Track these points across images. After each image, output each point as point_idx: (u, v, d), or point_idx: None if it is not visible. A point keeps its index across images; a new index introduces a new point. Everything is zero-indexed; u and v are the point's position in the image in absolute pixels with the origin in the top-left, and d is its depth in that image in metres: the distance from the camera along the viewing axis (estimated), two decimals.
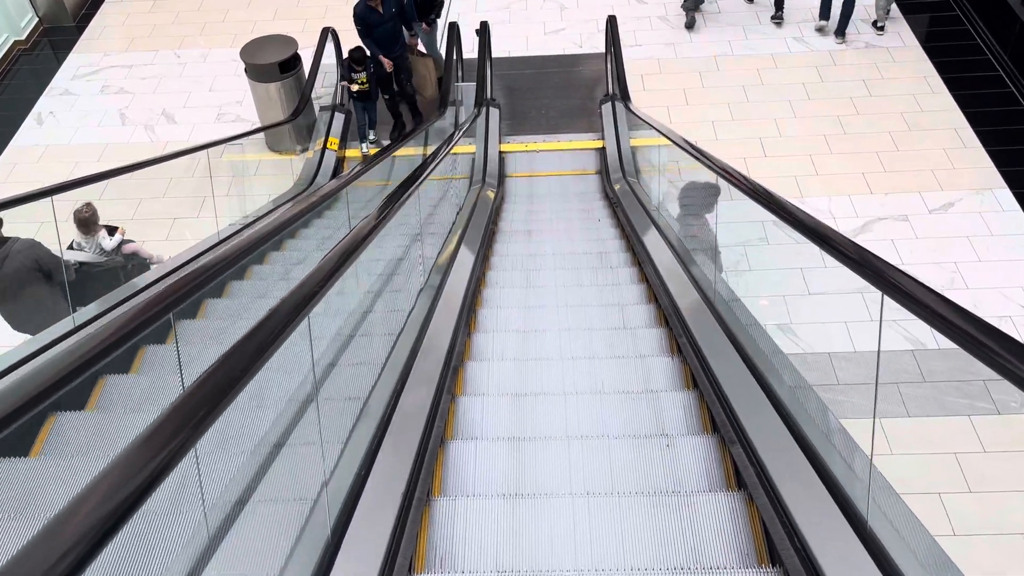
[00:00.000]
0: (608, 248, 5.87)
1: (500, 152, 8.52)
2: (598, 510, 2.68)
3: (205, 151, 7.19)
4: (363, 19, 7.93)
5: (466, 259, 4.92)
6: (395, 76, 8.43)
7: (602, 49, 9.76)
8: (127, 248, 6.61)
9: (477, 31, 8.78)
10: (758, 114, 8.88)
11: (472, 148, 8.19)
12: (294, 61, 8.38)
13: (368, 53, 8.12)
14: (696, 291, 4.15)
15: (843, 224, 7.47)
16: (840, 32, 9.73)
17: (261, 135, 8.56)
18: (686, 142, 5.50)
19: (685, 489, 2.84)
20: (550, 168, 8.52)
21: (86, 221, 6.20)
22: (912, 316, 1.84)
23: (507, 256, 5.63)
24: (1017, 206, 7.58)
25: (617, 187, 7.57)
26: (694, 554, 2.54)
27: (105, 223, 6.28)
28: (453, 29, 8.46)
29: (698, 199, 5.84)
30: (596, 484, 2.89)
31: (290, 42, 8.42)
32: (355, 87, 8.21)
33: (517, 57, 9.97)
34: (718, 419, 3.10)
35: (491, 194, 7.49)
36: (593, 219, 7.18)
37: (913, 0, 10.33)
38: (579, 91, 9.57)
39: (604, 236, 6.36)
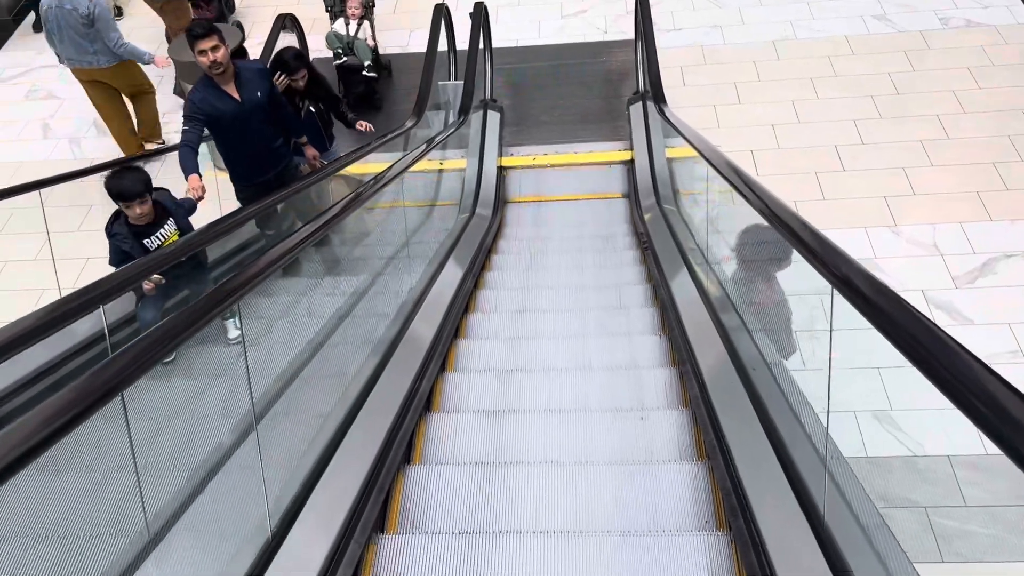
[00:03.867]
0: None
1: (500, 167, 6.70)
2: None
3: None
4: (202, 108, 4.37)
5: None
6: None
7: (631, 35, 7.88)
8: None
9: (472, 14, 6.96)
10: (831, 115, 6.92)
11: (463, 163, 6.39)
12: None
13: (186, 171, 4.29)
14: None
15: (955, 263, 5.53)
16: None
17: None
18: (732, 167, 3.62)
19: None
20: (564, 190, 6.65)
21: None
22: None
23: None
24: None
25: (648, 216, 5.71)
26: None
27: None
28: (440, 11, 6.66)
29: (764, 249, 3.99)
30: None
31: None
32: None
33: (527, 47, 8.12)
34: None
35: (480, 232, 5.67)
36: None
37: None
38: (603, 87, 7.70)
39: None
